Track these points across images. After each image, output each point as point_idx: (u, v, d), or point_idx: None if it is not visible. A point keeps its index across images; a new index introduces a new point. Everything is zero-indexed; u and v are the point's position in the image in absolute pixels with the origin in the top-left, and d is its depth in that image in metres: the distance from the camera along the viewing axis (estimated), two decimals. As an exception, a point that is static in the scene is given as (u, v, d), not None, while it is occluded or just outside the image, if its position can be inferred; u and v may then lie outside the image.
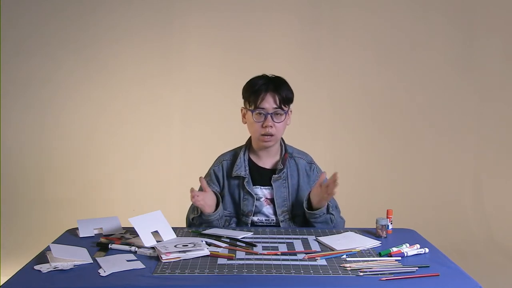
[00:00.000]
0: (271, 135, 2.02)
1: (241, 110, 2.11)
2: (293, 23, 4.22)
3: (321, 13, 4.23)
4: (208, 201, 1.97)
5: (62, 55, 4.20)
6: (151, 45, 4.22)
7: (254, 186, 2.10)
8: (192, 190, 1.91)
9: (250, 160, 2.12)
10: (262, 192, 2.10)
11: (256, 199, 2.09)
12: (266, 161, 2.12)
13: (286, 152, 2.12)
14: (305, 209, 2.03)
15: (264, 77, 2.07)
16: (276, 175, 2.08)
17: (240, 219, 2.11)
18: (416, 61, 4.26)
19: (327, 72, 4.26)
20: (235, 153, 2.16)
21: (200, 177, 2.00)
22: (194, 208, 2.03)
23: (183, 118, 4.27)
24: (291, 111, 2.08)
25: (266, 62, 4.07)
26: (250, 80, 2.08)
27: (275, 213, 2.09)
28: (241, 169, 2.09)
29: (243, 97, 2.09)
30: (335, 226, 2.08)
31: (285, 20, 4.22)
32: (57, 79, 4.22)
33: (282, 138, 2.14)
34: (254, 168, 2.11)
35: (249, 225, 2.08)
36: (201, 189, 2.04)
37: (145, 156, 4.26)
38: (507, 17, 4.21)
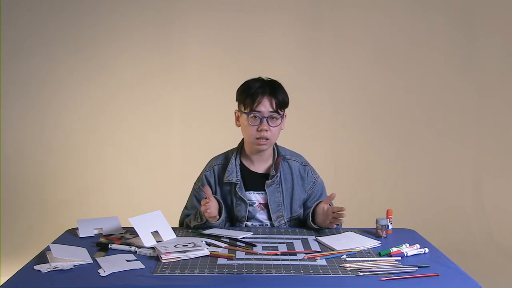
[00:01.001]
0: (266, 139, 1.98)
1: (235, 112, 2.07)
2: (293, 23, 4.22)
3: (321, 13, 4.22)
4: (214, 210, 1.94)
5: (62, 55, 4.20)
6: (151, 45, 4.22)
7: (247, 192, 2.06)
8: (205, 203, 1.89)
9: (242, 164, 2.08)
10: (256, 197, 2.07)
11: (249, 205, 2.06)
12: (259, 166, 2.09)
13: (279, 156, 2.08)
14: (311, 223, 1.97)
15: (260, 80, 2.03)
16: (270, 181, 2.05)
17: (233, 224, 2.08)
18: (416, 61, 4.26)
19: (327, 72, 4.26)
20: (226, 157, 2.11)
21: (205, 186, 1.97)
22: (197, 217, 1.99)
23: (183, 118, 4.27)
24: (285, 115, 2.05)
25: (266, 62, 4.07)
26: (246, 82, 2.04)
27: (269, 218, 2.07)
28: (233, 174, 2.04)
29: (237, 100, 2.05)
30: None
31: (285, 20, 4.22)
32: (57, 79, 4.22)
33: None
34: (246, 173, 2.07)
35: None
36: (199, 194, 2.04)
37: (145, 156, 4.26)
38: (507, 17, 4.21)
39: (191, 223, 2.02)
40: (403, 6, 4.23)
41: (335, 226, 1.94)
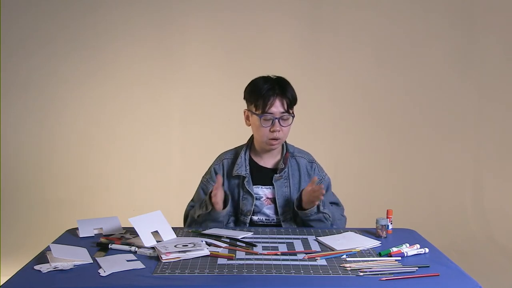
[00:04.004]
0: (279, 138, 2.01)
1: (244, 112, 2.08)
2: (293, 23, 4.22)
3: (322, 13, 4.23)
4: (220, 198, 1.97)
5: (62, 55, 4.20)
6: (151, 45, 4.22)
7: (254, 186, 2.09)
8: (215, 187, 1.92)
9: (251, 159, 2.11)
10: (263, 191, 2.09)
11: (256, 199, 2.08)
12: (268, 161, 2.12)
13: (288, 151, 2.12)
14: (295, 208, 2.03)
15: (268, 80, 2.03)
16: (278, 175, 2.08)
17: (238, 218, 2.09)
18: (416, 61, 4.26)
19: (327, 72, 4.26)
20: (236, 152, 2.15)
21: (218, 175, 2.00)
22: (202, 205, 2.00)
23: (183, 118, 4.27)
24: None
25: (266, 62, 4.07)
26: (254, 82, 2.05)
27: (276, 213, 2.08)
28: (242, 168, 2.08)
29: (246, 100, 2.06)
30: (335, 224, 2.08)
31: (285, 20, 4.22)
32: (57, 79, 4.22)
33: None
34: (255, 168, 2.10)
35: (248, 224, 2.07)
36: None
37: (145, 156, 4.26)
38: (507, 17, 4.21)
39: (195, 213, 2.02)
40: (403, 6, 4.23)
41: (316, 203, 1.97)
